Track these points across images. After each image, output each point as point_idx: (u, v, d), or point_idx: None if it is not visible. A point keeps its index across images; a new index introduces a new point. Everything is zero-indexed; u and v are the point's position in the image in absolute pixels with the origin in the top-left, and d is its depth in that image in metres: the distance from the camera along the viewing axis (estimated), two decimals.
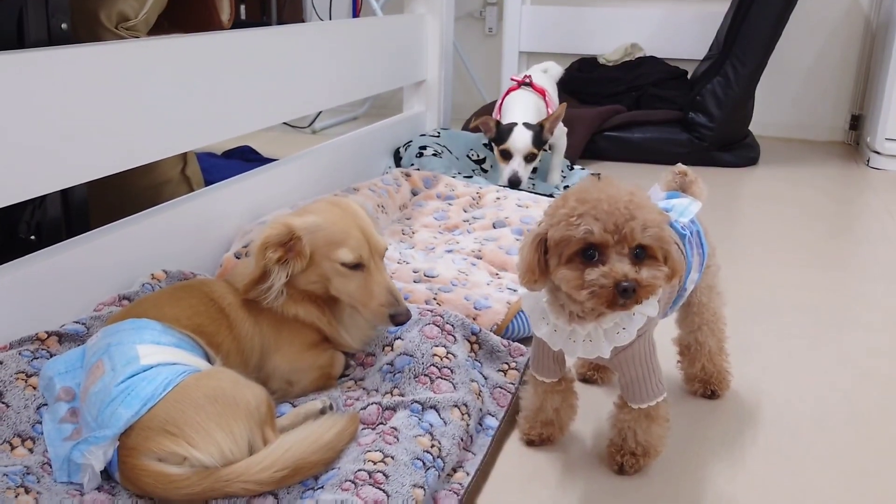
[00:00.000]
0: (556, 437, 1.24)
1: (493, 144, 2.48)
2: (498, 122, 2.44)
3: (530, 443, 1.24)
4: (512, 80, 2.65)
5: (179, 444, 1.02)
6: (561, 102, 2.62)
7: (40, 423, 1.11)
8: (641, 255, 0.97)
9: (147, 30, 1.83)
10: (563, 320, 1.06)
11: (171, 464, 1.02)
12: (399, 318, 1.28)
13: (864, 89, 3.66)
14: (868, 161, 3.27)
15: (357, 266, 1.28)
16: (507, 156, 2.41)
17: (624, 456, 1.16)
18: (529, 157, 2.40)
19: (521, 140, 2.39)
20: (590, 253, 0.96)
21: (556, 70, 2.87)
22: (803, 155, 3.47)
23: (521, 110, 2.48)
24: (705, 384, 1.38)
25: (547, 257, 1.00)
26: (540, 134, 2.41)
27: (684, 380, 1.41)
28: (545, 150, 2.57)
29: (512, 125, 2.41)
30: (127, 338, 1.12)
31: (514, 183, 2.38)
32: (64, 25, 1.49)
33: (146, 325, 1.15)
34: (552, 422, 1.23)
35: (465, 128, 3.04)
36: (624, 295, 0.94)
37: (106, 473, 1.05)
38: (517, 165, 2.39)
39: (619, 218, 0.95)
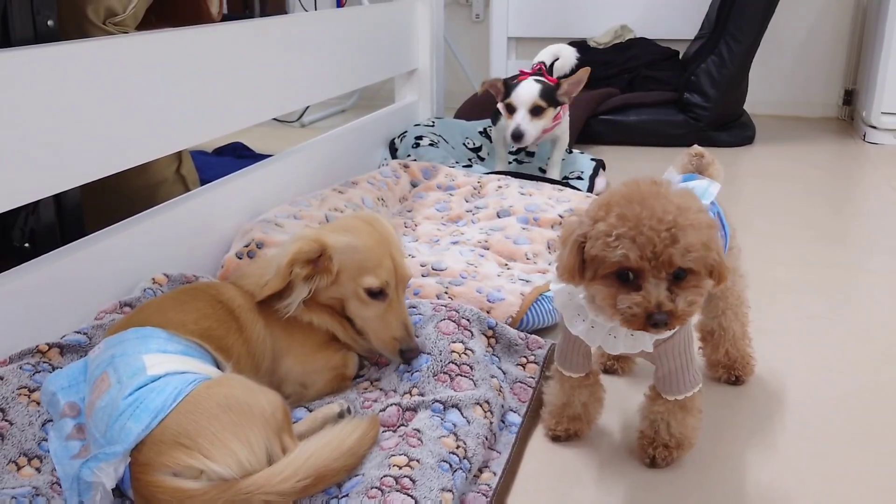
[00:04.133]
0: (583, 431, 1.20)
1: (497, 114, 2.32)
2: (506, 81, 2.27)
3: (556, 438, 1.20)
4: (521, 71, 2.52)
5: (195, 457, 0.97)
6: None
7: (46, 440, 1.06)
8: (682, 275, 0.92)
9: (135, 25, 1.78)
10: (605, 317, 1.01)
11: (186, 478, 0.97)
12: (409, 354, 1.26)
13: (857, 64, 3.64)
14: (864, 136, 3.25)
15: (379, 294, 1.24)
16: (511, 110, 2.22)
17: (657, 448, 1.12)
18: (536, 111, 2.19)
19: (526, 91, 2.20)
20: (625, 274, 0.92)
21: (568, 58, 2.62)
22: (798, 132, 3.45)
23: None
24: (729, 370, 1.34)
25: (585, 262, 0.96)
26: (552, 91, 2.22)
27: (707, 366, 1.37)
28: (535, 144, 2.48)
29: (521, 80, 2.24)
30: (132, 348, 1.07)
31: (517, 137, 2.19)
32: (50, 22, 1.44)
33: (151, 334, 1.10)
34: (579, 416, 1.18)
35: (458, 116, 2.99)
36: (655, 326, 0.91)
37: (118, 491, 1.00)
38: (520, 118, 2.18)
39: (659, 244, 0.89)
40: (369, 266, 1.23)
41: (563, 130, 2.40)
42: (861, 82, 3.52)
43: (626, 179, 0.97)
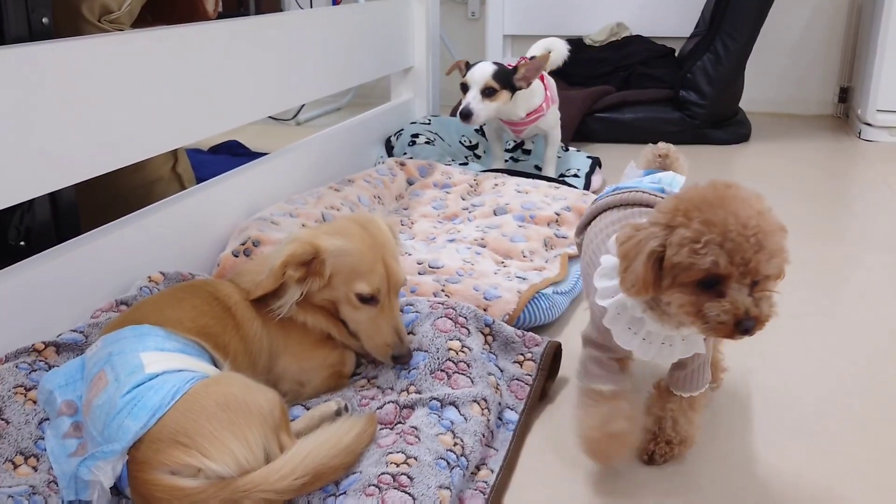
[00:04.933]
0: (630, 442, 1.10)
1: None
2: (468, 63, 2.26)
3: (601, 460, 1.11)
4: (507, 66, 2.51)
5: (192, 456, 0.97)
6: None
7: (43, 439, 1.05)
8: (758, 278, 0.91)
9: (131, 22, 1.77)
10: (669, 327, 0.98)
11: (184, 476, 0.96)
12: (401, 359, 1.25)
13: (852, 62, 3.64)
14: (860, 133, 3.25)
15: (371, 300, 1.24)
16: (465, 89, 2.19)
17: (658, 445, 1.11)
18: (488, 91, 2.15)
19: (479, 71, 2.16)
20: (710, 281, 0.90)
21: (560, 51, 2.57)
22: (794, 130, 3.45)
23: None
24: None
25: (660, 272, 0.92)
26: (508, 74, 2.18)
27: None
28: (532, 141, 2.48)
29: (480, 61, 2.23)
30: (129, 346, 1.07)
31: (465, 115, 2.14)
32: (45, 20, 1.43)
33: (148, 332, 1.10)
34: (623, 433, 1.08)
35: (454, 114, 2.99)
36: (744, 333, 0.89)
37: (116, 489, 1.00)
38: (471, 97, 2.15)
39: (748, 249, 0.87)
40: (361, 271, 1.23)
41: (550, 125, 2.37)
42: (856, 80, 3.52)
43: (695, 183, 0.94)
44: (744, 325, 0.89)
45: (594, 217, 1.19)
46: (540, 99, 2.31)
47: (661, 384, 1.11)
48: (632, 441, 1.09)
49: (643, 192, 1.14)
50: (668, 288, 0.92)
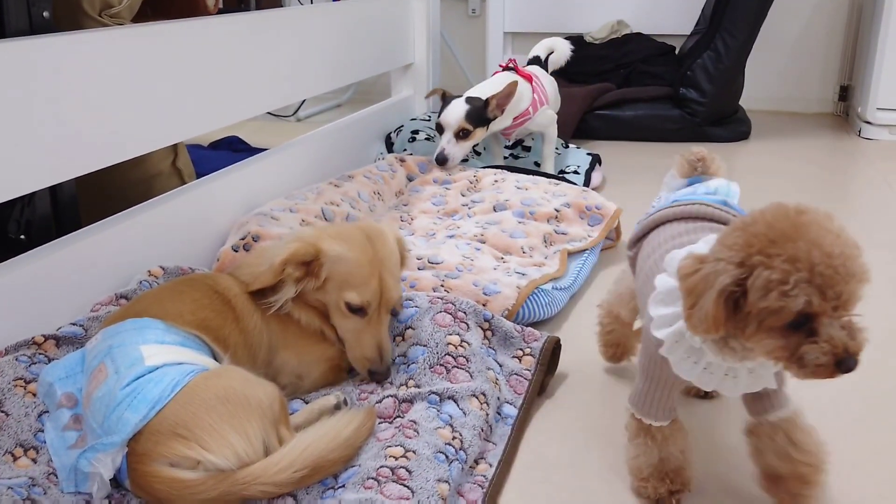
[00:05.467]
0: (690, 483, 1.05)
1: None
2: (445, 94, 2.25)
3: (652, 498, 1.04)
4: (499, 66, 2.49)
5: (192, 448, 0.97)
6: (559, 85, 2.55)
7: (42, 431, 1.06)
8: None
9: (131, 17, 1.77)
10: (733, 360, 0.90)
11: (184, 469, 0.97)
12: (376, 376, 1.25)
13: (853, 60, 3.64)
14: (860, 131, 3.25)
15: (360, 311, 1.24)
16: (440, 130, 2.20)
17: (792, 484, 0.98)
18: (462, 134, 2.17)
19: (451, 114, 2.16)
20: (801, 322, 0.82)
21: (563, 51, 2.60)
22: (794, 128, 3.45)
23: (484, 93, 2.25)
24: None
25: (736, 311, 0.84)
26: (481, 110, 2.17)
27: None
28: (531, 137, 2.47)
29: (455, 97, 2.21)
30: (129, 338, 1.07)
31: (440, 161, 2.17)
32: (45, 14, 1.43)
33: (148, 325, 1.10)
34: (682, 467, 1.03)
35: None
36: (846, 371, 0.82)
37: (115, 481, 1.00)
38: (445, 143, 2.17)
39: (839, 282, 0.80)
40: (355, 282, 1.23)
41: (542, 126, 2.37)
42: (856, 78, 3.52)
43: (761, 209, 0.86)
44: (846, 365, 0.82)
45: (650, 230, 1.10)
46: (527, 103, 2.30)
47: (754, 424, 1.01)
48: (686, 478, 1.04)
49: (705, 205, 1.05)
50: (755, 335, 0.84)
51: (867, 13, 3.40)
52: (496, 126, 2.27)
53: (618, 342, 1.35)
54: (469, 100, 2.20)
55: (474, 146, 2.63)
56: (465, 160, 2.28)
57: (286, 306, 1.23)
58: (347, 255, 1.23)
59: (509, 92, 2.20)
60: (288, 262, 1.21)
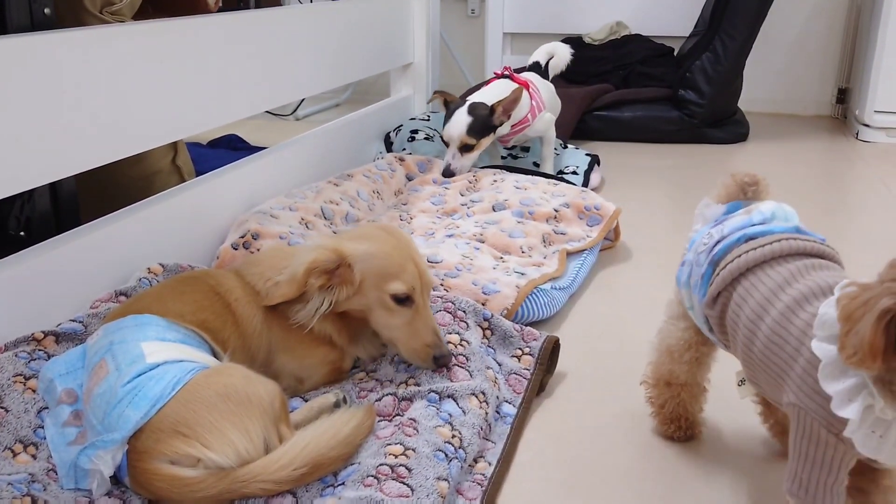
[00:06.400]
0: None
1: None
2: (447, 101, 2.24)
3: None
4: (494, 73, 2.45)
5: (193, 446, 0.97)
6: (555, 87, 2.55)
7: (42, 427, 1.06)
8: None
9: (132, 14, 1.77)
10: None
11: (184, 466, 0.97)
12: (443, 360, 1.21)
13: (851, 62, 3.65)
14: (857, 134, 3.26)
15: (406, 300, 1.21)
16: (445, 143, 2.21)
17: None
18: (466, 148, 2.18)
19: (455, 128, 2.16)
20: None
21: (563, 55, 2.59)
22: (792, 130, 3.46)
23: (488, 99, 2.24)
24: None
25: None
26: (485, 119, 2.17)
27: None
28: (527, 144, 2.47)
29: (459, 105, 2.20)
30: (130, 335, 1.07)
31: (448, 175, 2.17)
32: (47, 10, 1.43)
33: (149, 322, 1.10)
34: None
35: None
36: None
37: (115, 478, 1.00)
38: (451, 157, 2.17)
39: None
40: (393, 272, 1.20)
41: (540, 131, 2.36)
42: (854, 81, 3.53)
43: None
44: None
45: (734, 279, 0.96)
46: (525, 110, 2.29)
47: (870, 476, 0.92)
48: None
49: (796, 239, 0.94)
50: None
51: (865, 16, 3.41)
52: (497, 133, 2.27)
53: (679, 415, 1.16)
54: (472, 109, 2.18)
55: None
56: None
57: (312, 322, 1.20)
58: (375, 250, 1.20)
59: (515, 97, 2.20)
60: (311, 271, 1.17)
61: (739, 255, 0.95)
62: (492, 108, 2.18)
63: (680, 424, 1.15)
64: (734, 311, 0.94)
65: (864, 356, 0.73)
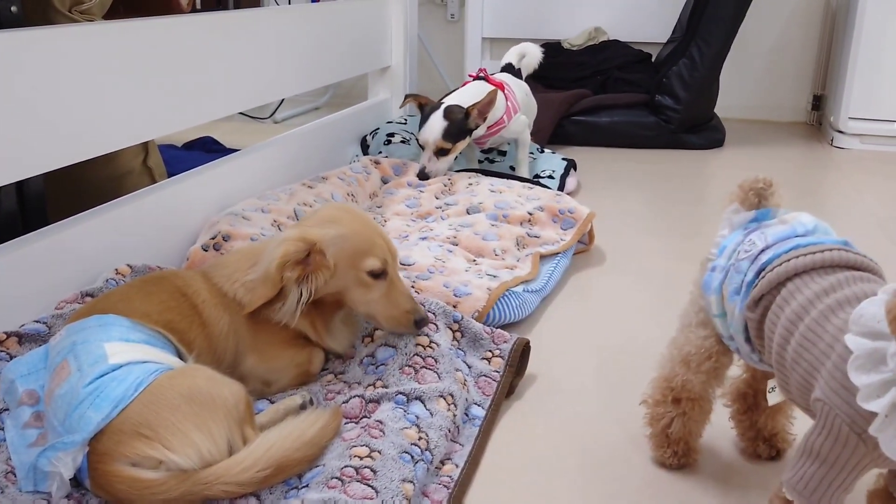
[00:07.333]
0: None
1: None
2: (422, 105, 2.24)
3: None
4: (469, 75, 2.46)
5: (154, 448, 0.96)
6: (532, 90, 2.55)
7: (2, 429, 1.04)
8: None
9: (102, 14, 1.76)
10: None
11: (145, 468, 0.96)
12: (423, 322, 1.25)
13: (826, 70, 3.69)
14: (832, 140, 3.29)
15: (381, 274, 1.23)
16: (422, 146, 2.20)
17: None
18: (441, 152, 2.17)
19: (430, 132, 2.16)
20: None
21: (534, 55, 2.60)
22: (768, 136, 3.48)
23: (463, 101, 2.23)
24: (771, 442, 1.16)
25: None
26: (461, 123, 2.16)
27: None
28: (507, 143, 2.48)
29: (434, 108, 2.19)
30: (93, 335, 1.06)
31: (423, 178, 2.17)
32: (14, 8, 1.42)
33: (113, 322, 1.09)
34: None
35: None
36: None
37: (75, 481, 0.99)
38: (426, 160, 2.17)
39: None
40: (365, 249, 1.21)
41: (515, 133, 2.36)
42: (829, 88, 3.57)
43: None
44: None
45: (780, 283, 0.94)
46: (501, 111, 2.28)
47: (878, 492, 0.92)
48: None
49: (845, 251, 0.94)
50: None
51: (840, 24, 3.44)
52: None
53: (680, 437, 1.11)
54: (448, 113, 2.17)
55: None
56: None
57: (294, 318, 1.20)
58: (344, 231, 1.21)
59: (490, 100, 2.20)
60: (284, 265, 1.17)
61: (788, 261, 0.93)
62: (467, 112, 2.18)
63: (676, 450, 1.11)
64: (775, 312, 0.93)
65: None
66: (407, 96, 2.32)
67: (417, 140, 2.22)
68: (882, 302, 0.78)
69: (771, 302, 0.94)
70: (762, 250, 0.98)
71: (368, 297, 1.24)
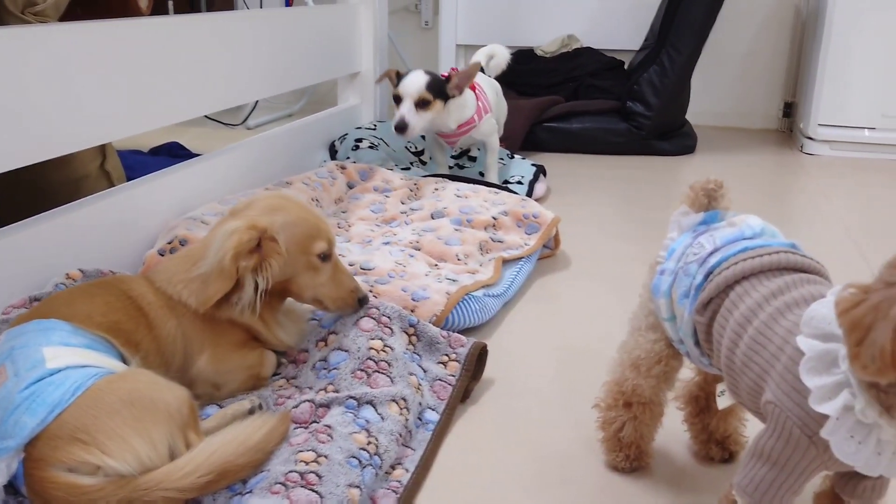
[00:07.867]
0: None
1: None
2: (399, 72, 2.23)
3: None
4: (441, 76, 2.51)
5: (91, 453, 0.94)
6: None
7: None
8: None
9: (58, 16, 1.73)
10: None
11: (83, 474, 0.93)
12: (365, 300, 1.29)
13: (797, 77, 3.72)
14: (802, 147, 3.32)
15: (328, 256, 1.25)
16: (398, 101, 2.16)
17: None
18: (422, 103, 2.13)
19: (412, 83, 2.13)
20: None
21: (502, 56, 2.59)
22: (739, 143, 3.50)
23: None
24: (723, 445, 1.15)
25: None
26: (441, 84, 2.16)
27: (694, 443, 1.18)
28: (477, 147, 2.47)
29: (412, 71, 2.20)
30: (32, 340, 1.03)
31: (400, 129, 2.12)
32: None
33: (54, 326, 1.06)
34: None
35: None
36: None
37: (11, 487, 0.96)
38: (405, 110, 2.12)
39: None
40: (313, 233, 1.23)
41: (485, 134, 2.36)
42: (800, 95, 3.59)
43: None
44: None
45: (728, 286, 0.92)
46: (472, 111, 2.28)
47: (824, 494, 0.92)
48: None
49: (792, 253, 0.92)
50: None
51: (810, 32, 3.47)
52: (441, 125, 2.25)
53: (632, 441, 1.10)
54: (429, 72, 2.18)
55: (419, 156, 2.63)
56: (421, 155, 2.24)
57: (251, 310, 1.19)
58: (292, 218, 1.22)
59: (471, 73, 2.19)
60: (239, 256, 1.15)
61: (736, 263, 0.93)
62: (448, 77, 2.18)
63: (629, 453, 1.10)
64: (723, 316, 0.92)
65: (884, 366, 0.69)
66: (387, 71, 2.29)
67: (395, 97, 2.17)
68: (831, 303, 0.77)
69: (719, 305, 0.93)
70: (710, 253, 0.97)
71: (316, 281, 1.25)
